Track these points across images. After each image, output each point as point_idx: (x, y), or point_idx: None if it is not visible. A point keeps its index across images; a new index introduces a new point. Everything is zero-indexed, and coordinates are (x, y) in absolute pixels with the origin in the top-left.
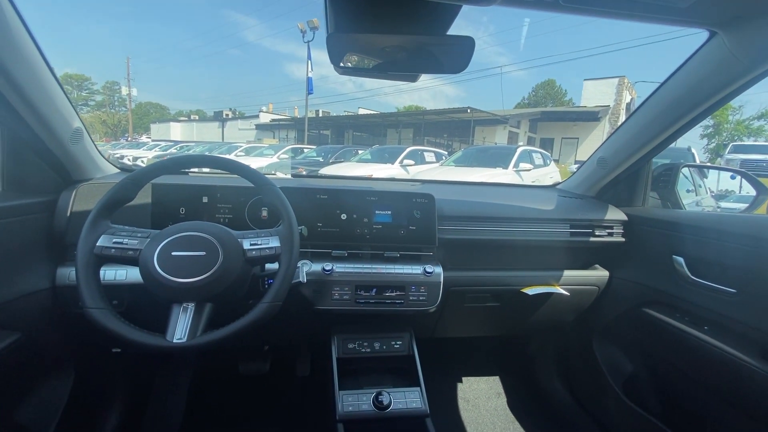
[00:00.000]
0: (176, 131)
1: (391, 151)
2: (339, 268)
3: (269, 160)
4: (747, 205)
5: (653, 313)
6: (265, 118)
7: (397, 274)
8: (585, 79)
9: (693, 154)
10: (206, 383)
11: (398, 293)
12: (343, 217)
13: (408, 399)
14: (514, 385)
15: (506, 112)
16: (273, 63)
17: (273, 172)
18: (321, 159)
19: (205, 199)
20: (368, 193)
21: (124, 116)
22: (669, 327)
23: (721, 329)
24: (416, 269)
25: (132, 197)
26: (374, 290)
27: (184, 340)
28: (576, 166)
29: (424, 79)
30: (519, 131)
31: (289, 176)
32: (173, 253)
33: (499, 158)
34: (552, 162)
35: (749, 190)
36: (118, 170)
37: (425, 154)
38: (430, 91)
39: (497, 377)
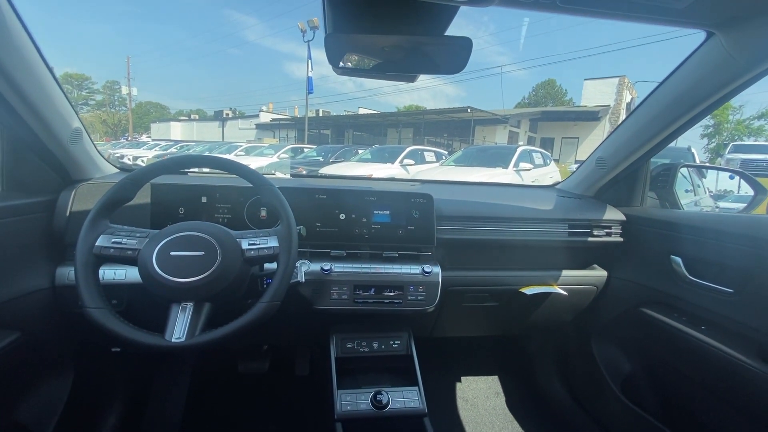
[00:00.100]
0: (176, 131)
1: (391, 150)
2: (337, 267)
3: (269, 160)
4: (745, 205)
5: (651, 312)
6: (265, 117)
7: (396, 273)
8: (585, 79)
9: (693, 154)
10: (205, 383)
11: (397, 293)
12: (342, 217)
13: (406, 398)
14: (513, 384)
15: (506, 112)
16: (273, 62)
17: (273, 172)
18: (321, 159)
19: (204, 199)
20: (367, 193)
21: (125, 116)
22: (667, 327)
23: (718, 329)
24: (415, 269)
25: (131, 197)
26: (373, 290)
27: (183, 339)
28: (576, 165)
29: (424, 79)
30: (519, 131)
31: (288, 176)
32: (172, 253)
33: (499, 158)
34: (552, 162)
35: (747, 190)
36: (118, 170)
37: (425, 153)
38: (430, 91)
39: (496, 377)
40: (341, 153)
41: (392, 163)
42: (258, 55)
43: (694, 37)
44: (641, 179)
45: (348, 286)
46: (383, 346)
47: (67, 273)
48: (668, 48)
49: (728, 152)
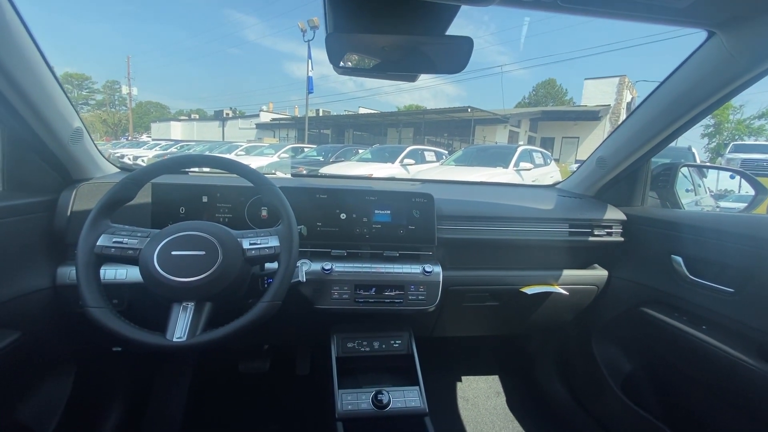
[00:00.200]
0: (177, 130)
1: (391, 150)
2: (338, 267)
3: (270, 160)
4: (746, 204)
5: (652, 312)
6: (265, 117)
7: (397, 273)
8: (586, 79)
9: (693, 154)
10: (206, 382)
11: (397, 293)
12: (343, 216)
13: (407, 398)
14: (513, 384)
15: (507, 112)
16: (273, 62)
17: (273, 172)
18: (321, 158)
19: (204, 199)
20: (367, 193)
21: (125, 115)
22: (667, 326)
23: (719, 328)
24: (415, 269)
25: (132, 197)
26: (373, 289)
27: (184, 339)
28: (576, 165)
29: (425, 79)
30: (519, 130)
31: (289, 176)
32: (173, 253)
33: (499, 157)
34: (552, 161)
35: (748, 190)
36: (118, 170)
37: (425, 153)
38: (431, 91)
39: (496, 376)
40: (341, 153)
41: (392, 162)
42: (258, 54)
43: (695, 36)
44: (642, 179)
45: (349, 286)
46: (384, 346)
47: (68, 273)
48: (669, 48)
49: (729, 152)
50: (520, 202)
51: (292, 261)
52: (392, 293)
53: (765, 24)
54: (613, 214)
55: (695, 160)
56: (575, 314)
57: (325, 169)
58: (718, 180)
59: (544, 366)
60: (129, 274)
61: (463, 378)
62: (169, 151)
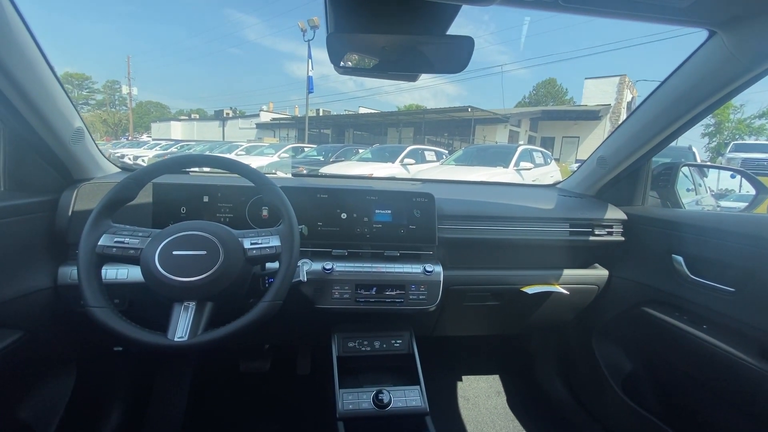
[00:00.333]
0: (177, 130)
1: (391, 150)
2: (339, 267)
3: (270, 159)
4: (746, 204)
5: (652, 312)
6: (265, 117)
7: (397, 273)
8: (586, 78)
9: (694, 153)
10: (207, 382)
11: (398, 292)
12: (343, 216)
13: (408, 397)
14: (514, 383)
15: (507, 111)
16: (273, 62)
17: (274, 171)
18: (321, 158)
19: (205, 199)
20: (368, 193)
21: (125, 115)
22: (668, 326)
23: (719, 328)
24: (416, 268)
25: (133, 197)
26: (374, 289)
27: (185, 338)
28: (577, 165)
29: (425, 78)
30: (520, 130)
31: (289, 175)
32: (174, 252)
33: (499, 157)
34: (553, 161)
35: (749, 189)
36: (119, 169)
37: (426, 153)
38: (431, 90)
39: (497, 376)
40: (342, 152)
41: (393, 162)
42: (258, 54)
43: (696, 36)
44: (642, 178)
45: (349, 286)
46: (385, 346)
47: (69, 272)
48: (669, 47)
49: (729, 151)
50: (521, 202)
51: (293, 261)
52: (393, 293)
53: (766, 23)
54: (614, 213)
55: (696, 160)
56: (576, 314)
57: (326, 169)
58: (718, 179)
59: (544, 365)
60: (130, 273)
61: (464, 377)
62: (169, 151)
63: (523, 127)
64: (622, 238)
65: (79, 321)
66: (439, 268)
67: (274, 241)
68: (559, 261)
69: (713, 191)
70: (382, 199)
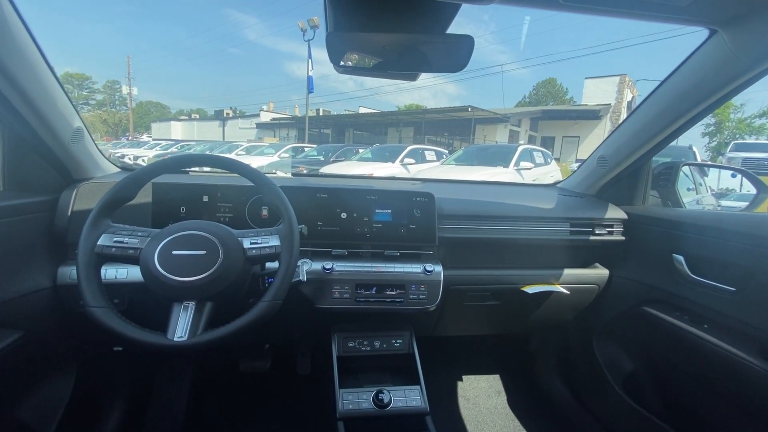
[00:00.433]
0: (177, 130)
1: (391, 149)
2: (339, 266)
3: (270, 159)
4: (747, 203)
5: (653, 311)
6: (265, 117)
7: (397, 272)
8: (586, 78)
9: (694, 153)
10: (207, 381)
11: (398, 292)
12: (343, 216)
13: (408, 397)
14: (515, 383)
15: (507, 111)
16: (273, 62)
17: (274, 171)
18: (322, 158)
19: (205, 198)
20: (368, 192)
21: (125, 115)
22: (669, 325)
23: (720, 327)
24: (416, 268)
25: (133, 196)
26: (374, 289)
27: (185, 338)
28: (577, 164)
29: (425, 78)
30: (520, 130)
31: (289, 175)
32: (174, 252)
33: (499, 157)
34: (553, 160)
35: (750, 189)
36: (119, 169)
37: (426, 152)
38: (431, 90)
39: (497, 375)
40: (342, 152)
41: (393, 162)
42: (258, 54)
43: (696, 35)
44: (643, 178)
45: (349, 285)
46: (385, 345)
47: (68, 272)
48: (670, 46)
49: (729, 151)
50: (521, 201)
51: (292, 260)
52: (393, 292)
53: (767, 22)
54: (614, 213)
55: (696, 159)
56: (576, 313)
57: (326, 169)
58: (719, 179)
59: (545, 365)
60: (130, 273)
61: (464, 377)
62: (169, 150)
63: (523, 126)
64: (623, 238)
65: (78, 321)
66: (439, 268)
67: (274, 241)
68: (559, 260)
69: (714, 190)
70: (382, 199)
